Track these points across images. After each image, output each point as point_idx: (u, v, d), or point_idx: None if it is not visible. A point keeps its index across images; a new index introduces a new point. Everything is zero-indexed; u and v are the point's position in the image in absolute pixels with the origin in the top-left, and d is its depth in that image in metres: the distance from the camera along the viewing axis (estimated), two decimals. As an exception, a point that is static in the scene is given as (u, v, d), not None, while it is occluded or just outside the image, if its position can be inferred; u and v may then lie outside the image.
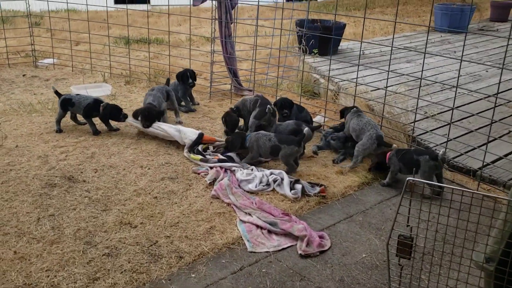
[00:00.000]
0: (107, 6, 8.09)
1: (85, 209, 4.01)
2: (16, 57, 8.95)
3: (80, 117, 5.87)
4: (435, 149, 5.23)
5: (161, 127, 5.39)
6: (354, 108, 5.34)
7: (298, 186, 4.42)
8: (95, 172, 4.65)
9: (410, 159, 4.51)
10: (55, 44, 8.88)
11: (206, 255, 3.49)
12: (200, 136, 5.21)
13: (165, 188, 4.39)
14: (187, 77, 6.44)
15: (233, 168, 4.76)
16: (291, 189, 4.39)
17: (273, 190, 4.46)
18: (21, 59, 8.96)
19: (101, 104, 5.59)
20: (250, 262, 3.44)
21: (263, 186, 4.47)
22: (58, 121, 5.70)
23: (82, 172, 4.63)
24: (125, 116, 5.62)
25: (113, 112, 5.61)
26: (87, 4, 7.97)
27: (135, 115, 5.54)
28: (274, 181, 4.52)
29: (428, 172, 4.39)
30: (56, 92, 5.79)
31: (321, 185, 4.49)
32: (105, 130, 5.72)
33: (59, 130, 5.65)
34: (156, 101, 5.70)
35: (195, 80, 6.58)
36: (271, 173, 4.63)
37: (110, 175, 4.60)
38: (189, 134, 5.22)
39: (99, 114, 5.62)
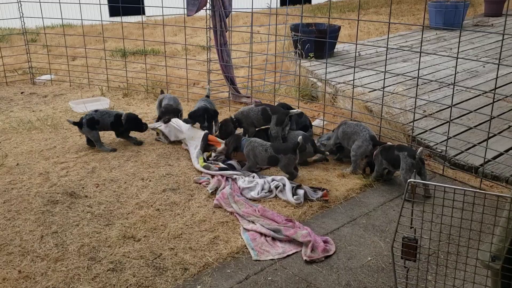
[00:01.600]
0: (102, 20, 8.11)
1: (88, 224, 4.00)
2: (13, 75, 8.96)
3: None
4: (431, 152, 5.23)
5: (177, 123, 5.70)
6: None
7: (300, 192, 4.41)
8: (97, 186, 4.65)
9: (392, 155, 4.52)
10: (52, 60, 8.89)
11: (211, 265, 3.48)
12: (206, 136, 5.34)
13: (167, 200, 4.38)
14: (203, 119, 5.59)
15: (234, 176, 4.75)
16: (293, 195, 4.38)
17: (276, 196, 4.46)
18: (19, 76, 8.98)
19: (122, 118, 5.65)
20: (255, 270, 3.43)
21: (265, 193, 4.46)
22: (101, 144, 5.54)
23: (83, 188, 4.63)
24: (146, 126, 5.81)
25: (135, 125, 5.72)
26: (82, 19, 7.99)
27: (159, 118, 5.89)
28: (276, 187, 4.51)
29: (406, 169, 4.37)
30: (75, 123, 5.52)
31: (323, 189, 4.48)
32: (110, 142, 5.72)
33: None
34: (173, 101, 6.07)
35: (215, 120, 5.80)
36: (273, 180, 4.62)
37: (112, 189, 4.59)
38: (196, 134, 5.45)
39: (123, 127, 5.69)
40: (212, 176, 4.79)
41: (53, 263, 3.50)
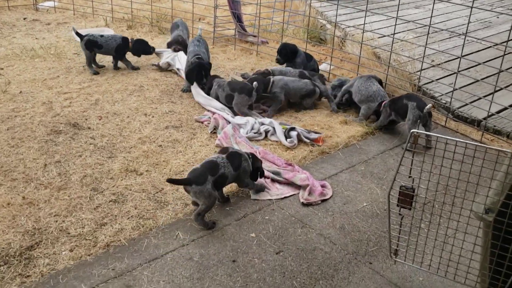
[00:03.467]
0: None
1: (91, 156, 4.05)
2: None
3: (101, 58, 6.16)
4: (436, 103, 5.20)
5: (181, 56, 5.94)
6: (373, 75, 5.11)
7: (293, 133, 4.44)
8: (100, 119, 4.67)
9: (400, 105, 4.50)
10: (54, -14, 8.65)
11: (210, 202, 3.55)
12: None
13: (170, 137, 4.41)
14: (201, 76, 5.23)
15: (224, 113, 4.81)
16: (286, 138, 4.42)
17: (265, 138, 4.52)
18: (21, 1, 8.76)
19: (130, 40, 5.85)
20: (253, 209, 3.52)
21: (254, 133, 4.50)
22: (90, 64, 5.81)
23: (86, 119, 4.65)
24: (153, 48, 6.04)
25: (143, 46, 5.92)
26: None
27: (169, 44, 6.21)
28: (266, 131, 4.52)
29: (412, 120, 4.37)
30: (77, 33, 5.79)
31: (319, 134, 4.51)
32: (104, 75, 5.68)
33: (96, 72, 5.79)
34: (184, 35, 6.30)
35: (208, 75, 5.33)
36: (262, 124, 4.62)
37: (115, 123, 4.61)
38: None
39: (130, 49, 5.88)
40: (213, 113, 4.81)
41: (56, 192, 3.58)
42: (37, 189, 3.60)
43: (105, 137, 4.34)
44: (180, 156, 4.13)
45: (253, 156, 3.61)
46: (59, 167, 3.88)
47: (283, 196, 3.70)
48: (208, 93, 5.10)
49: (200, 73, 5.17)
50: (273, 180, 3.86)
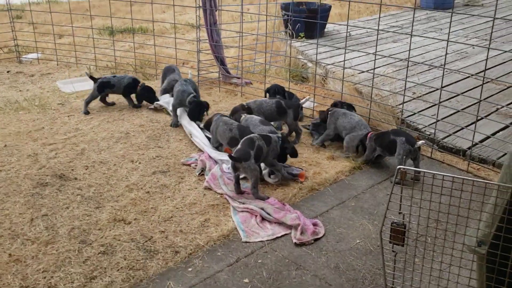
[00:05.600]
0: (89, -3, 7.94)
1: (78, 207, 3.99)
2: (-2, 53, 8.80)
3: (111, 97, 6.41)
4: (420, 135, 5.27)
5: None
6: (332, 109, 5.18)
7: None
8: (86, 169, 4.63)
9: (388, 141, 4.52)
10: (38, 38, 8.73)
11: (201, 248, 3.50)
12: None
13: (157, 182, 4.38)
14: (199, 114, 5.57)
15: (209, 151, 4.82)
16: (269, 174, 4.45)
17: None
18: (4, 55, 8.80)
19: (139, 84, 6.18)
20: (246, 253, 3.47)
21: None
22: (88, 103, 6.08)
23: (73, 170, 4.60)
24: (157, 100, 6.24)
25: (150, 95, 6.20)
26: (68, -4, 7.83)
27: (165, 91, 6.33)
28: None
29: (402, 155, 4.38)
30: (91, 77, 6.10)
31: (301, 169, 4.53)
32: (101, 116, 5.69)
33: (87, 112, 6.04)
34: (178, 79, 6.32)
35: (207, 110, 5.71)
36: None
37: (101, 171, 4.57)
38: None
39: (136, 92, 6.19)
40: (199, 155, 4.81)
41: (43, 246, 3.50)
42: (24, 245, 3.51)
43: (92, 187, 4.29)
44: (168, 201, 4.09)
45: (282, 138, 4.35)
46: (46, 220, 3.81)
47: (275, 237, 3.66)
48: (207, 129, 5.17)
49: (200, 111, 5.55)
50: (263, 219, 3.83)
